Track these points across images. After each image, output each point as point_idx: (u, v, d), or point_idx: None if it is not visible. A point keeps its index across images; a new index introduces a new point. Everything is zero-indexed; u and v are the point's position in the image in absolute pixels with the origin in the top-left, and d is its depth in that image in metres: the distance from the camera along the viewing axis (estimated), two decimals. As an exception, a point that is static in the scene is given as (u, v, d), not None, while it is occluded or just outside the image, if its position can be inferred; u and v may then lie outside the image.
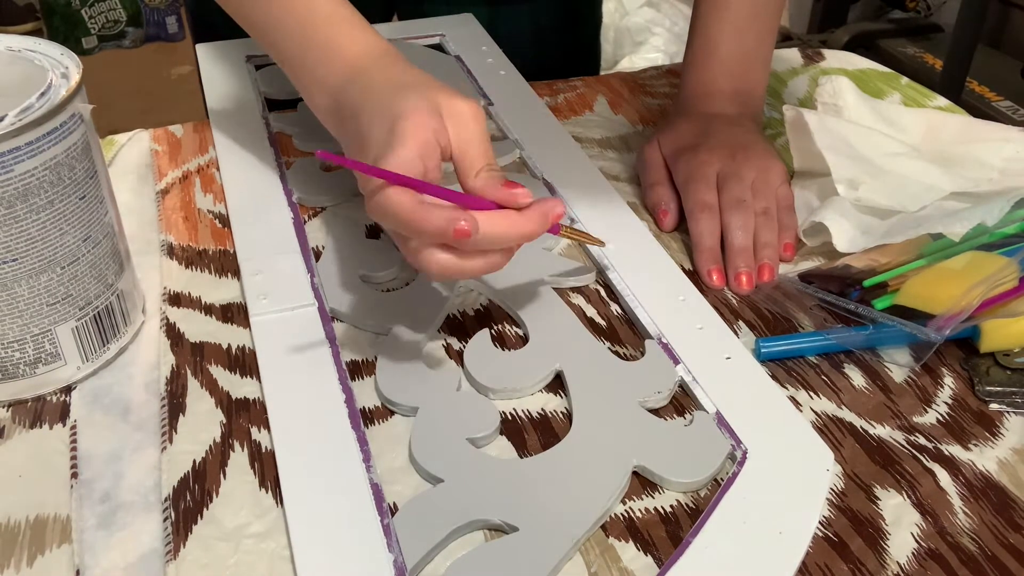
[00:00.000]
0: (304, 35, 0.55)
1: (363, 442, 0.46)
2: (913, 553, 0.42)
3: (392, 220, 0.45)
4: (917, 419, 0.49)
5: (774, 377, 0.51)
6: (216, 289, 0.58)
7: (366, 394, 0.51)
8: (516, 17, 0.88)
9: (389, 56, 0.54)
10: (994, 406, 0.50)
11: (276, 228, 0.61)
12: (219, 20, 0.89)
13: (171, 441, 0.47)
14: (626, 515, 0.44)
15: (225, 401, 0.50)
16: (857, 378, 0.52)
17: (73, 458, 0.47)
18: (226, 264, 0.60)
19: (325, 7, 0.55)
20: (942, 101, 0.79)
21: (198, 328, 0.55)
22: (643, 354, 0.52)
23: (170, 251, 0.61)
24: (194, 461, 0.46)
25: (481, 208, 0.46)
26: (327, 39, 0.55)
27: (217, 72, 0.79)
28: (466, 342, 0.53)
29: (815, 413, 0.50)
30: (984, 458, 0.47)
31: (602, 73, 0.91)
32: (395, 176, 0.45)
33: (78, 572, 0.41)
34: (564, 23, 0.93)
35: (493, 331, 0.55)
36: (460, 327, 0.55)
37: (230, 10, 0.60)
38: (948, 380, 0.52)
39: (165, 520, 0.43)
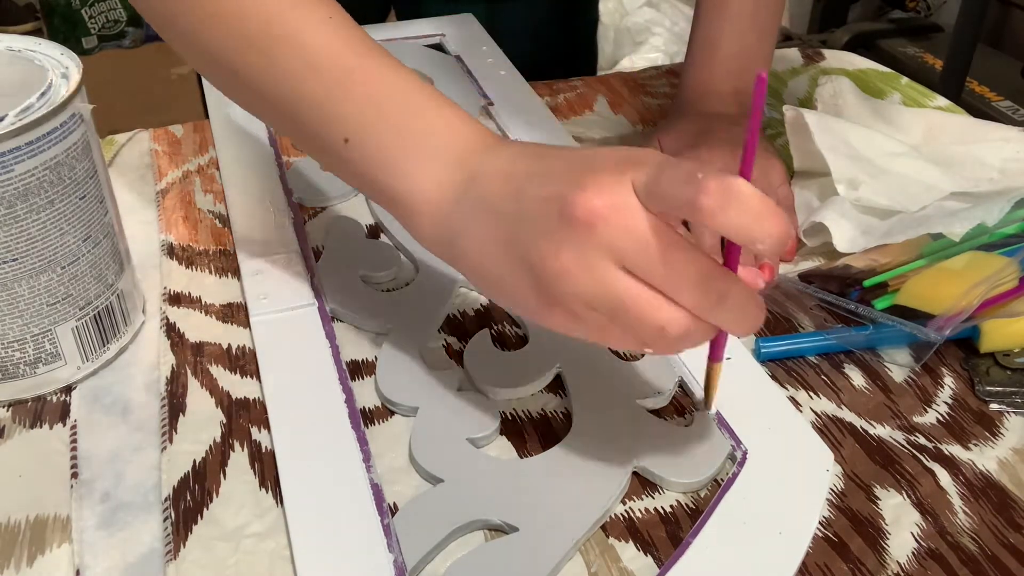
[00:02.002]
0: (404, 98, 0.45)
1: (363, 442, 0.46)
2: (913, 553, 0.42)
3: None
4: (917, 419, 0.49)
5: (774, 377, 0.51)
6: (216, 289, 0.58)
7: (366, 394, 0.51)
8: (514, 14, 0.88)
9: (507, 141, 0.45)
10: (994, 406, 0.50)
11: (276, 228, 0.61)
12: None
13: (171, 441, 0.47)
14: (626, 515, 0.44)
15: (225, 401, 0.50)
16: (857, 378, 0.52)
17: (73, 458, 0.47)
18: (226, 264, 0.60)
19: (416, 84, 0.45)
20: (942, 101, 0.79)
21: (198, 328, 0.55)
22: (643, 354, 0.52)
23: (170, 251, 0.61)
24: (194, 461, 0.46)
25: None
26: (434, 109, 0.45)
27: (217, 72, 0.79)
28: (466, 342, 0.53)
29: (815, 413, 0.50)
30: (984, 458, 0.47)
31: (602, 73, 0.91)
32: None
33: (78, 572, 0.41)
34: (562, 20, 0.93)
35: (493, 331, 0.55)
36: (460, 327, 0.55)
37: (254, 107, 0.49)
38: (948, 380, 0.52)
39: (165, 520, 0.43)
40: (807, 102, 0.79)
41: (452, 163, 0.43)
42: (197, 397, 0.50)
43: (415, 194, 0.44)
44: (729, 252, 0.39)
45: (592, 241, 0.37)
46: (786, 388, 0.51)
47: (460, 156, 0.43)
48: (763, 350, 0.53)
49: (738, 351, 0.52)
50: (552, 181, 0.39)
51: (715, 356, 0.43)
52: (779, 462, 0.45)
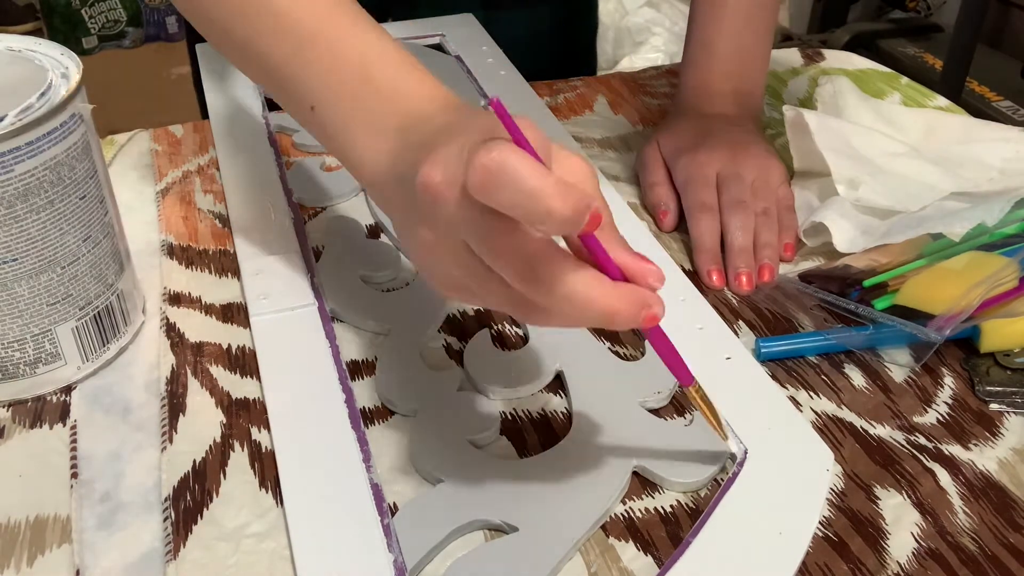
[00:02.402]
0: (362, 68, 0.45)
1: (363, 442, 0.46)
2: (913, 553, 0.42)
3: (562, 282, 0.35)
4: (917, 419, 0.49)
5: (774, 377, 0.51)
6: (216, 289, 0.58)
7: (366, 394, 0.51)
8: (512, 22, 0.88)
9: (468, 106, 0.44)
10: (994, 406, 0.50)
11: (276, 228, 0.61)
12: None
13: (171, 441, 0.47)
14: (626, 515, 0.44)
15: (225, 401, 0.50)
16: (857, 378, 0.52)
17: (73, 458, 0.47)
18: (226, 264, 0.60)
19: (377, 47, 0.46)
20: (942, 101, 0.79)
21: (198, 328, 0.55)
22: (643, 354, 0.52)
23: (170, 251, 0.61)
24: (194, 461, 0.46)
25: (601, 259, 0.37)
26: (388, 83, 0.45)
27: (217, 72, 0.79)
28: (466, 342, 0.53)
29: (815, 413, 0.50)
30: (984, 458, 0.47)
31: (602, 73, 0.91)
32: (528, 148, 0.34)
33: (78, 572, 0.41)
34: (560, 27, 0.93)
35: (493, 331, 0.55)
36: (460, 327, 0.55)
37: (235, 54, 0.50)
38: (948, 380, 0.52)
39: (165, 520, 0.43)
40: (807, 102, 0.79)
41: (392, 134, 0.43)
42: (197, 397, 0.50)
43: (362, 165, 0.45)
44: (583, 243, 0.37)
45: (437, 215, 0.37)
46: (786, 388, 0.51)
47: (400, 126, 0.43)
48: (763, 350, 0.53)
49: (738, 351, 0.52)
50: (422, 152, 0.38)
51: (682, 381, 0.42)
52: (779, 462, 0.45)
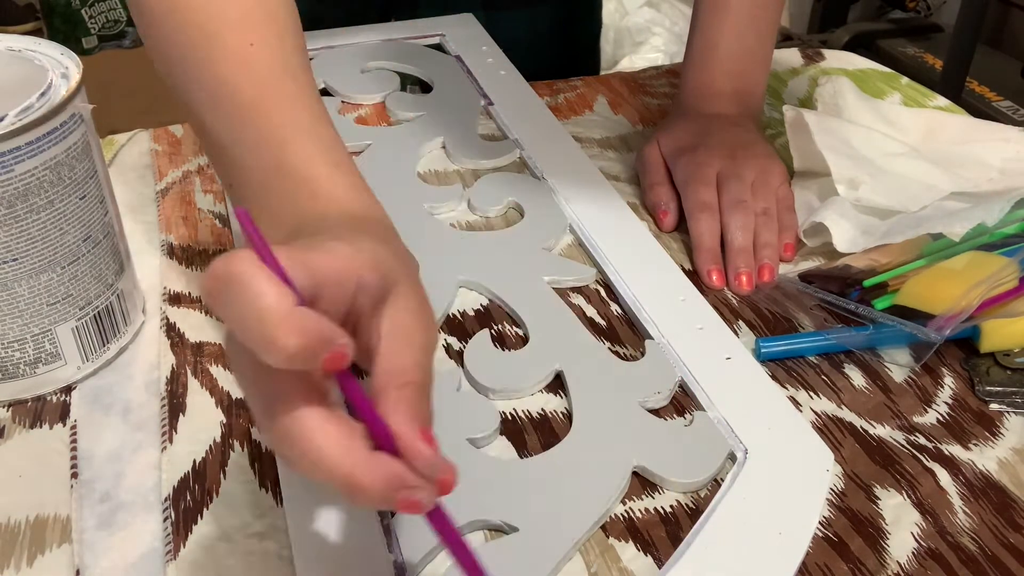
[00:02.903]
0: (279, 155, 0.43)
1: (363, 442, 0.46)
2: (913, 553, 0.42)
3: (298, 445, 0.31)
4: (917, 419, 0.49)
5: (774, 377, 0.51)
6: (216, 289, 0.58)
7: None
8: (513, 22, 0.88)
9: (380, 223, 0.42)
10: (994, 406, 0.50)
11: (276, 228, 0.61)
12: None
13: (171, 441, 0.47)
14: (626, 515, 0.44)
15: (225, 401, 0.50)
16: (857, 378, 0.52)
17: (73, 458, 0.47)
18: (226, 264, 0.60)
19: (303, 132, 0.43)
20: (942, 101, 0.79)
21: (198, 328, 0.55)
22: (643, 354, 0.52)
23: (170, 251, 0.61)
24: (194, 461, 0.46)
25: (367, 419, 0.32)
26: (298, 177, 0.42)
27: (217, 72, 0.79)
28: (466, 342, 0.53)
29: (815, 413, 0.50)
30: (984, 458, 0.47)
31: (602, 73, 0.91)
32: (280, 272, 0.30)
33: (78, 572, 0.41)
34: (562, 28, 0.93)
35: (493, 331, 0.55)
36: (460, 327, 0.55)
37: (170, 81, 0.47)
38: (948, 380, 0.52)
39: (165, 520, 0.43)
40: (807, 102, 0.79)
41: (288, 232, 0.40)
42: (197, 397, 0.50)
43: None
44: (339, 384, 0.32)
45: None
46: (786, 388, 0.51)
47: (294, 228, 0.40)
48: (763, 350, 0.53)
49: (738, 351, 0.52)
50: None
51: (445, 537, 0.33)
52: (779, 462, 0.45)
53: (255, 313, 0.28)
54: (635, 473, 0.46)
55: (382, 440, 0.31)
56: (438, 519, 0.32)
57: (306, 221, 0.40)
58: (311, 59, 0.75)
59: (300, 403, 0.30)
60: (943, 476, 0.46)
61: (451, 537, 0.33)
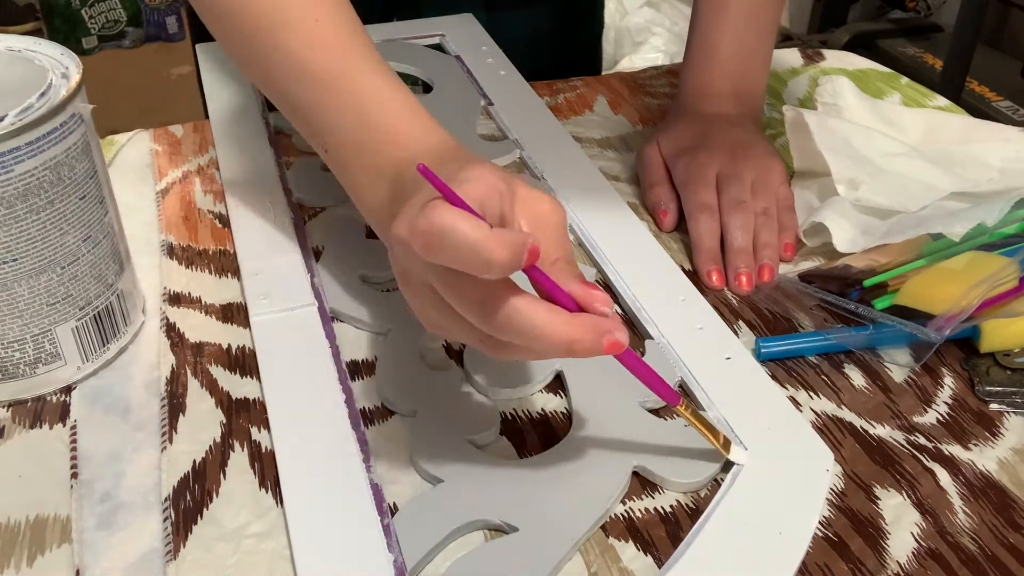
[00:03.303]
0: (363, 115, 0.48)
1: (363, 442, 0.46)
2: (913, 553, 0.42)
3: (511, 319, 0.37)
4: (917, 419, 0.49)
5: (774, 377, 0.51)
6: (216, 289, 0.58)
7: (366, 394, 0.51)
8: (513, 22, 0.88)
9: (462, 149, 0.47)
10: (994, 406, 0.50)
11: (276, 228, 0.61)
12: None
13: (171, 441, 0.47)
14: (626, 515, 0.44)
15: (225, 401, 0.50)
16: (857, 378, 0.52)
17: (73, 458, 0.47)
18: (226, 264, 0.60)
19: (382, 91, 0.49)
20: (942, 101, 0.79)
21: (198, 328, 0.55)
22: (643, 354, 0.52)
23: (170, 251, 0.61)
24: (194, 461, 0.46)
25: (553, 292, 0.39)
26: (386, 130, 0.47)
27: (217, 72, 0.79)
28: (466, 342, 0.53)
29: (815, 413, 0.50)
30: (984, 458, 0.47)
31: (602, 73, 0.91)
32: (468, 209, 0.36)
33: (78, 572, 0.41)
34: (562, 28, 0.93)
35: (493, 331, 0.55)
36: (460, 327, 0.55)
37: (260, 81, 0.53)
38: (948, 380, 0.52)
39: (165, 520, 0.43)
40: (807, 102, 0.79)
41: (387, 183, 0.46)
42: (197, 397, 0.50)
43: (366, 208, 0.48)
44: (531, 279, 0.39)
45: (409, 264, 0.40)
46: (786, 388, 0.51)
47: (394, 175, 0.46)
48: (763, 350, 0.53)
49: (738, 351, 0.52)
50: (396, 206, 0.43)
51: (669, 401, 0.43)
52: (779, 462, 0.45)
53: (469, 245, 0.35)
54: (635, 473, 0.46)
55: (568, 306, 0.39)
56: (628, 355, 0.41)
57: (404, 167, 0.45)
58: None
59: (512, 296, 0.37)
60: (943, 476, 0.46)
61: (642, 369, 0.42)
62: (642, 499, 0.45)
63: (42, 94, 0.46)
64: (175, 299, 0.57)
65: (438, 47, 0.85)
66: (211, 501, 0.44)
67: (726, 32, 0.69)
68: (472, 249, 0.35)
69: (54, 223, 0.47)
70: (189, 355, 0.53)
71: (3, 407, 0.50)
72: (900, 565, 0.42)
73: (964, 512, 0.44)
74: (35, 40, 0.51)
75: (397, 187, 0.45)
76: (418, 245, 0.36)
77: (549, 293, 0.39)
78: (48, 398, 0.50)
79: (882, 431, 0.49)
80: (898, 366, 0.53)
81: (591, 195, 0.65)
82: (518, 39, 0.84)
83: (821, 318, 0.56)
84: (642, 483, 0.46)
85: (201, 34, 0.88)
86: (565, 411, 0.50)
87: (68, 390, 0.51)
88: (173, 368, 0.52)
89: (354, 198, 0.49)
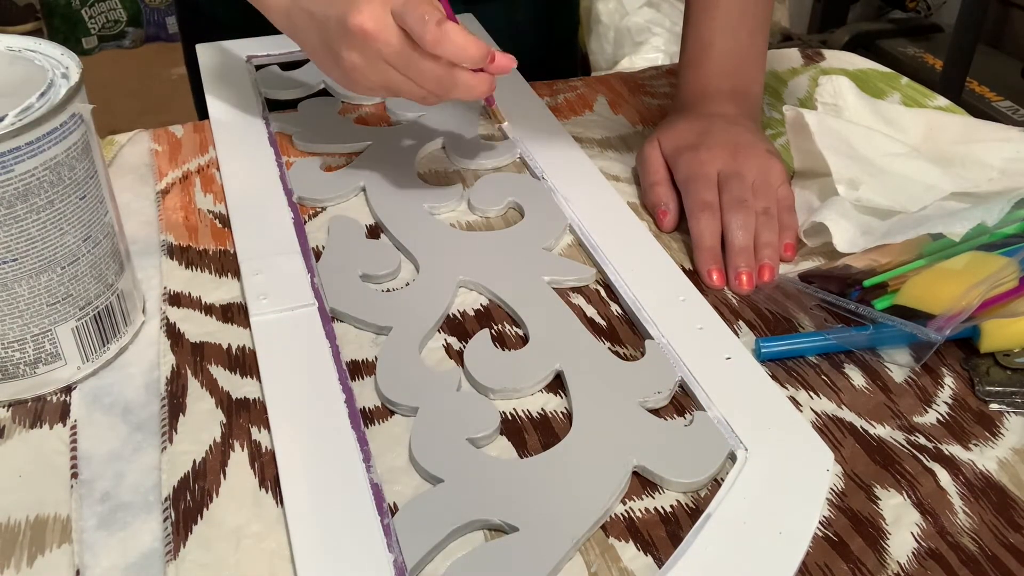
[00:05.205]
0: None
1: (363, 442, 0.46)
2: (913, 553, 0.42)
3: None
4: (917, 419, 0.49)
5: (774, 377, 0.51)
6: (216, 289, 0.58)
7: (366, 394, 0.51)
8: (492, 15, 0.88)
9: None
10: (994, 406, 0.50)
11: (276, 228, 0.61)
12: (204, 21, 0.89)
13: (171, 441, 0.47)
14: (626, 515, 0.44)
15: (225, 401, 0.50)
16: (857, 378, 0.52)
17: (73, 458, 0.47)
18: (226, 264, 0.60)
19: None
20: (942, 101, 0.79)
21: (198, 328, 0.55)
22: (643, 354, 0.52)
23: (170, 251, 0.61)
24: (194, 461, 0.46)
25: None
26: None
27: (217, 72, 0.79)
28: (466, 342, 0.53)
29: (815, 413, 0.50)
30: (984, 458, 0.47)
31: (602, 73, 0.91)
32: None
33: (78, 572, 0.41)
34: (540, 21, 0.93)
35: (493, 331, 0.55)
36: (460, 327, 0.55)
37: None
38: (948, 380, 0.52)
39: (165, 520, 0.43)
40: (807, 102, 0.79)
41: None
42: (197, 397, 0.50)
43: (295, 14, 0.60)
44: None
45: (367, 49, 0.56)
46: (786, 388, 0.51)
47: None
48: (763, 350, 0.53)
49: (738, 351, 0.52)
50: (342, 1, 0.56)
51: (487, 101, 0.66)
52: (779, 462, 0.45)
53: (458, 48, 0.55)
54: (635, 473, 0.46)
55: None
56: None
57: None
58: (308, 61, 0.75)
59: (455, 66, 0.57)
60: (943, 476, 0.46)
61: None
62: (642, 499, 0.45)
63: (42, 94, 0.46)
64: (175, 299, 0.57)
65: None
66: (211, 501, 0.44)
67: (718, 30, 0.70)
68: (466, 49, 0.55)
69: (54, 223, 0.47)
70: (189, 355, 0.53)
71: (3, 407, 0.50)
72: (900, 565, 0.42)
73: (964, 512, 0.44)
74: (35, 40, 0.51)
75: None
76: (430, 40, 0.54)
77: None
78: (48, 398, 0.50)
79: (882, 431, 0.49)
80: (898, 366, 0.53)
81: (591, 195, 0.65)
82: (495, 31, 0.84)
83: (821, 318, 0.56)
84: (642, 483, 0.46)
85: (189, 35, 0.88)
86: (565, 411, 0.50)
87: (68, 390, 0.51)
88: (173, 368, 0.52)
89: (274, 7, 0.61)
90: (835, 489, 0.45)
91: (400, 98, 0.61)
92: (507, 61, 0.58)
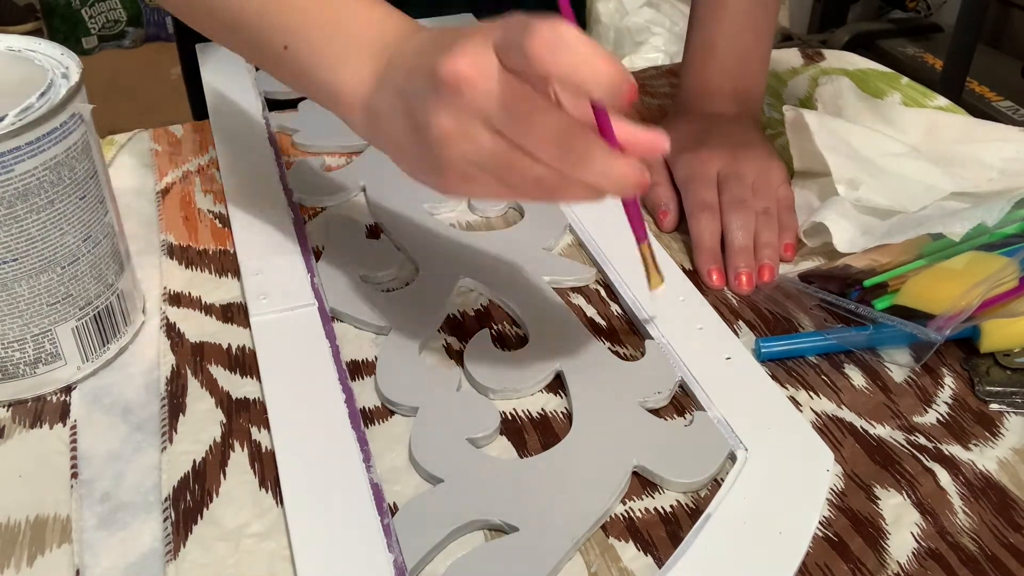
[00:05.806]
0: (329, 11, 0.47)
1: (363, 442, 0.46)
2: (913, 553, 0.42)
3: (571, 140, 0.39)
4: (917, 419, 0.49)
5: (774, 377, 0.51)
6: (216, 289, 0.58)
7: (366, 394, 0.51)
8: (494, 15, 0.88)
9: (424, 28, 0.47)
10: (994, 406, 0.50)
11: (276, 228, 0.61)
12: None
13: (171, 441, 0.47)
14: (626, 515, 0.44)
15: (225, 401, 0.50)
16: (857, 378, 0.52)
17: (73, 458, 0.47)
18: (226, 264, 0.60)
19: None
20: (942, 101, 0.79)
21: (198, 328, 0.55)
22: (643, 354, 0.52)
23: (170, 251, 0.61)
24: (194, 461, 0.46)
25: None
26: (359, 13, 0.47)
27: (217, 72, 0.79)
28: (466, 342, 0.53)
29: (815, 413, 0.50)
30: (984, 458, 0.47)
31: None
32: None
33: (78, 572, 0.41)
34: None
35: (493, 331, 0.55)
36: (460, 327, 0.55)
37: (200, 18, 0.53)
38: (948, 380, 0.52)
39: (165, 520, 0.43)
40: (807, 102, 0.79)
41: (375, 55, 0.45)
42: (197, 397, 0.50)
43: (345, 87, 0.46)
44: (596, 117, 0.40)
45: (462, 103, 0.39)
46: (786, 388, 0.51)
47: (382, 47, 0.45)
48: (763, 350, 0.53)
49: (738, 351, 0.52)
50: (429, 51, 0.41)
51: (637, 237, 0.46)
52: (779, 462, 0.45)
53: (581, 58, 0.36)
54: (635, 473, 0.46)
55: (616, 146, 0.41)
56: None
57: (390, 41, 0.45)
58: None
59: (589, 132, 0.39)
60: (943, 476, 0.46)
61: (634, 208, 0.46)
62: (642, 499, 0.45)
63: (42, 94, 0.46)
64: (175, 299, 0.57)
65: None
66: (211, 501, 0.44)
67: (724, 31, 0.69)
68: (588, 59, 0.36)
69: (54, 223, 0.47)
70: (189, 355, 0.53)
71: (3, 407, 0.50)
72: (900, 565, 0.42)
73: (964, 512, 0.44)
74: (35, 40, 0.51)
75: (392, 57, 0.44)
76: (538, 48, 0.36)
77: (605, 133, 0.40)
78: (48, 398, 0.50)
79: (882, 431, 0.49)
80: (898, 366, 0.53)
81: (591, 195, 0.65)
82: None
83: (821, 318, 0.56)
84: (642, 483, 0.46)
85: (185, 35, 0.88)
86: (565, 411, 0.50)
87: (68, 390, 0.51)
88: (173, 368, 0.52)
89: (320, 88, 0.48)
90: (835, 489, 0.45)
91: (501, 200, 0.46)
92: (661, 141, 0.41)
